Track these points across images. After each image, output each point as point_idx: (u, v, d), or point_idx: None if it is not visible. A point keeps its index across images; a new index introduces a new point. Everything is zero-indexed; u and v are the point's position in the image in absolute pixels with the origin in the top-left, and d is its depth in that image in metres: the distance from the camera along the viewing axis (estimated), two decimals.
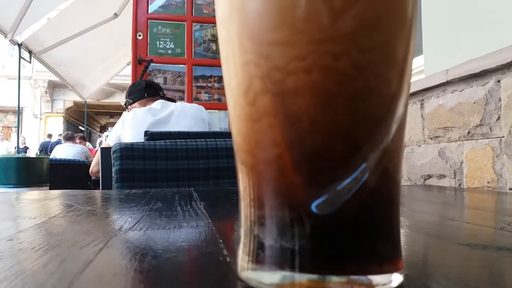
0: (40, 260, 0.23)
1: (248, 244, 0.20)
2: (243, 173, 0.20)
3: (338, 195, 0.18)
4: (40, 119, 14.38)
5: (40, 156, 6.03)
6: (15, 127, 14.20)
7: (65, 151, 5.47)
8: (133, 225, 0.35)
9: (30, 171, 3.89)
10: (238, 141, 0.20)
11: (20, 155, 4.91)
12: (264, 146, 0.18)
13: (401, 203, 0.20)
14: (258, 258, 0.19)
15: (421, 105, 1.69)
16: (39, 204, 0.55)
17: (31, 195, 0.63)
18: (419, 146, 1.71)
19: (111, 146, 1.32)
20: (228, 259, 0.23)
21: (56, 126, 14.17)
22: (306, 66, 0.17)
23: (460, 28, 1.55)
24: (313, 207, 0.18)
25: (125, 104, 2.04)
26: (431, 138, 1.63)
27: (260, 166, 0.19)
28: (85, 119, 9.06)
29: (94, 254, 0.24)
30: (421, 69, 1.85)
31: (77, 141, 6.29)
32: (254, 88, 0.18)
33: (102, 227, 0.35)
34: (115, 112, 16.13)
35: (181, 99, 3.10)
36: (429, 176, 1.64)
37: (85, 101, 7.82)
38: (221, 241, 0.29)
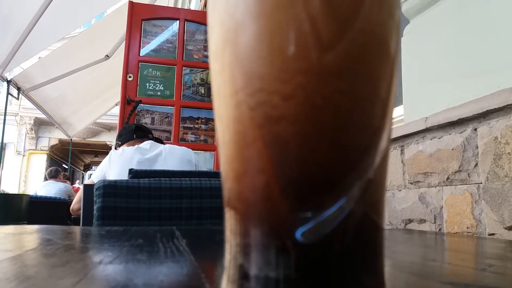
0: None
1: (232, 273, 0.20)
2: (229, 201, 0.20)
3: (324, 224, 0.18)
4: (23, 156, 14.11)
5: (20, 193, 5.86)
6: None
7: (47, 188, 5.33)
8: (113, 259, 0.34)
9: (8, 208, 3.76)
10: (225, 168, 0.20)
11: None
12: (250, 173, 0.18)
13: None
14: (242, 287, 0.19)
15: (401, 151, 1.72)
16: (15, 237, 0.53)
17: (7, 229, 0.61)
18: (400, 190, 1.72)
19: (95, 183, 1.30)
20: None
21: (39, 164, 13.90)
22: (293, 99, 0.17)
23: (439, 78, 1.63)
24: (299, 235, 0.18)
25: (115, 147, 2.05)
26: (412, 183, 1.65)
27: (246, 193, 0.19)
28: (69, 157, 8.93)
29: (72, 286, 0.23)
30: (401, 119, 1.90)
31: (61, 178, 6.16)
32: (242, 117, 0.18)
33: (81, 260, 0.34)
34: (100, 151, 15.98)
35: (168, 139, 3.10)
36: (410, 221, 1.64)
37: (71, 139, 7.76)
38: (203, 275, 0.29)
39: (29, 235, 0.55)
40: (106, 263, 0.32)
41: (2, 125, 4.83)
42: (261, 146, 0.18)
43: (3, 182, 12.40)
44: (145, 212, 1.18)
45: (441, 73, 1.62)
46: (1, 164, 13.22)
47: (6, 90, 4.48)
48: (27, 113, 13.21)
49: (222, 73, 0.20)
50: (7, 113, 4.93)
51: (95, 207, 1.18)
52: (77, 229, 0.67)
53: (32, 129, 13.93)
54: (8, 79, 4.32)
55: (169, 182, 1.24)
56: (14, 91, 4.58)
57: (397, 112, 2.00)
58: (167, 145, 1.89)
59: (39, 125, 14.08)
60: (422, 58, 1.75)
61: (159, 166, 1.70)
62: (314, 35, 0.17)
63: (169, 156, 1.77)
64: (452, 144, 1.41)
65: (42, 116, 7.57)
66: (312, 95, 0.17)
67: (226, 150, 0.20)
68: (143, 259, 0.34)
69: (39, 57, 5.19)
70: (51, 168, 5.86)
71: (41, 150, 14.30)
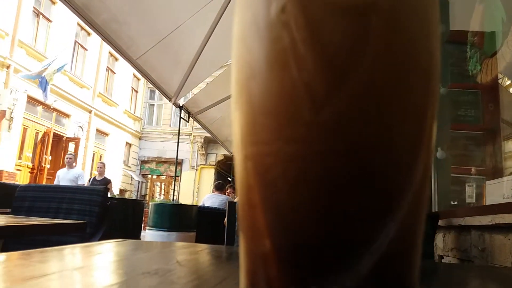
0: None
1: None
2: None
3: None
4: (196, 170, 16.23)
5: (190, 204, 6.73)
6: (177, 176, 16.32)
7: (212, 200, 5.98)
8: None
9: (181, 217, 4.32)
10: (240, 226, 0.20)
11: (174, 202, 5.57)
12: (253, 233, 0.18)
13: None
14: None
15: None
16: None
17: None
18: None
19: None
20: None
21: (209, 177, 15.78)
22: (290, 157, 0.16)
23: None
24: None
25: None
26: None
27: (251, 252, 0.18)
28: (231, 171, 9.89)
29: None
30: None
31: (225, 191, 6.85)
32: (248, 181, 0.18)
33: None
34: None
35: None
36: None
37: (233, 155, 8.58)
38: None
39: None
40: None
41: (181, 143, 5.66)
42: (259, 210, 0.17)
43: (181, 193, 14.46)
44: None
45: None
46: (180, 177, 15.46)
47: (179, 114, 5.26)
48: (198, 133, 15.19)
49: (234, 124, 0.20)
50: (182, 133, 5.77)
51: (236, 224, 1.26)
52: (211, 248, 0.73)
53: (202, 146, 15.95)
54: (181, 105, 5.06)
55: None
56: (185, 115, 5.33)
57: None
58: None
59: (208, 143, 16.02)
60: None
61: None
62: (307, 96, 0.16)
63: None
64: None
65: (209, 135, 8.59)
66: (304, 155, 0.16)
67: (239, 211, 0.19)
68: None
69: (207, 83, 5.90)
70: (218, 181, 6.60)
71: (209, 165, 16.22)
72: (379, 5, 0.17)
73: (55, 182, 6.50)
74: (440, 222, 2.16)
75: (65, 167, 6.59)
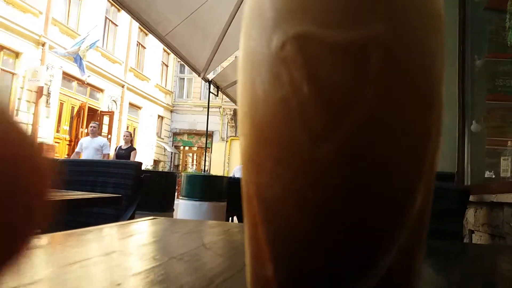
0: None
1: None
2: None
3: None
4: (226, 141, 16.42)
5: (221, 175, 6.86)
6: (208, 147, 16.59)
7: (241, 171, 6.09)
8: None
9: (212, 188, 4.41)
10: (246, 250, 0.21)
11: (205, 174, 5.71)
12: (257, 257, 0.20)
13: None
14: None
15: None
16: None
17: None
18: None
19: None
20: None
21: (237, 148, 15.98)
22: (288, 188, 0.18)
23: None
24: None
25: None
26: None
27: (255, 274, 0.20)
28: None
29: None
30: None
31: None
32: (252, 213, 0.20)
33: None
34: None
35: None
36: None
37: None
38: None
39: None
40: None
41: (211, 116, 5.72)
42: (262, 238, 0.19)
43: (212, 164, 14.71)
44: None
45: None
46: (211, 149, 15.68)
47: (208, 89, 5.31)
48: (228, 105, 15.27)
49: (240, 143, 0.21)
50: (212, 106, 5.81)
51: None
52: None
53: (232, 118, 16.06)
54: (210, 80, 5.09)
55: None
56: (214, 89, 5.38)
57: None
58: None
59: (237, 116, 16.10)
60: None
61: None
62: (305, 130, 0.17)
63: None
64: None
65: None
66: (305, 188, 0.17)
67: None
68: None
69: (236, 56, 5.88)
70: None
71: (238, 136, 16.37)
72: (378, 41, 0.16)
73: (77, 150, 6.47)
74: (471, 198, 2.13)
75: (95, 136, 6.45)
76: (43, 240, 0.55)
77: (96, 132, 6.48)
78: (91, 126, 6.57)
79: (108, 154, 6.32)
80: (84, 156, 6.17)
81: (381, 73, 0.16)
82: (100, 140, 6.48)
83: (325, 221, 0.17)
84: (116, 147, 6.84)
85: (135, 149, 6.93)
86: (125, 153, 6.51)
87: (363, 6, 0.16)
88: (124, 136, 7.00)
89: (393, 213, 0.17)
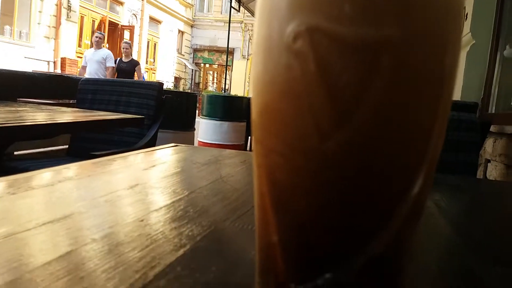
0: None
1: None
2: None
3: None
4: (247, 59, 16.10)
5: (240, 96, 6.86)
6: (229, 65, 16.36)
7: None
8: None
9: (231, 108, 4.46)
10: (256, 226, 0.23)
11: (225, 94, 5.71)
12: (262, 235, 0.22)
13: None
14: None
15: None
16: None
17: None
18: None
19: None
20: None
21: None
22: (295, 181, 0.19)
23: None
24: None
25: None
26: None
27: (262, 245, 0.22)
28: None
29: None
30: None
31: None
32: (261, 188, 0.21)
33: None
34: None
35: None
36: None
37: None
38: None
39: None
40: None
41: (232, 32, 5.54)
42: (270, 217, 0.20)
43: (232, 82, 14.60)
44: None
45: None
46: (231, 66, 15.44)
47: (229, 2, 5.07)
48: (250, 20, 14.65)
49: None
50: (234, 21, 5.61)
51: None
52: None
53: None
54: None
55: None
56: (236, 4, 5.14)
57: None
58: None
59: None
60: None
61: None
62: (314, 124, 0.17)
63: None
64: None
65: None
66: (312, 179, 0.18)
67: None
68: None
69: None
70: None
71: None
72: (391, 43, 0.16)
73: (83, 64, 5.83)
74: (492, 128, 2.09)
75: (99, 47, 5.77)
76: (72, 169, 0.59)
77: (101, 44, 5.85)
78: (96, 36, 5.88)
79: (112, 67, 5.75)
80: (88, 69, 5.65)
81: (391, 74, 0.16)
82: (104, 52, 5.78)
83: (328, 200, 0.19)
84: (116, 60, 5.97)
85: (139, 63, 6.33)
86: (128, 66, 5.92)
87: (379, 5, 0.16)
88: (123, 48, 6.13)
89: (390, 198, 0.19)
